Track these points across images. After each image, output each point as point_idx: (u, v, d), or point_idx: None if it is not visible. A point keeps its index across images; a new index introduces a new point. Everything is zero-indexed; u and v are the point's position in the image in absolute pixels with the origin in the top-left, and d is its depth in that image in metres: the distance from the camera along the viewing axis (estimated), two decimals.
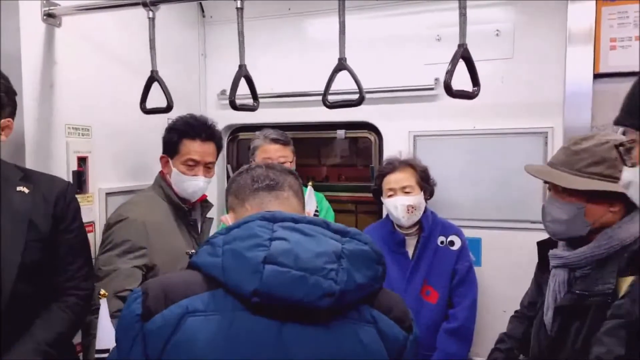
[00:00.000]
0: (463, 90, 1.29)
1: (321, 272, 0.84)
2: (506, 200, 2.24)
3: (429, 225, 2.08)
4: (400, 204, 2.02)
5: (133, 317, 0.86)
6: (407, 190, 2.04)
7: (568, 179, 1.33)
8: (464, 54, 1.24)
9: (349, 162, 3.17)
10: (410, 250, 2.10)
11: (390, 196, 2.05)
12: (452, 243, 2.08)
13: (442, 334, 2.01)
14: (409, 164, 2.10)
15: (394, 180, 2.06)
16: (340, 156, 3.21)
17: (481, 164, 2.27)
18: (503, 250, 2.24)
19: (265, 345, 0.84)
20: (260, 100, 1.64)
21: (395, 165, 2.10)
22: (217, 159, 1.96)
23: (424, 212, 2.09)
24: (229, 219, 1.07)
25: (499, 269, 2.24)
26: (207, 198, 2.05)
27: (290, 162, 2.22)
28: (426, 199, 2.10)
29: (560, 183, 1.34)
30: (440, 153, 2.31)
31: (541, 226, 1.48)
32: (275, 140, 2.20)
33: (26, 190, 1.38)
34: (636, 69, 1.96)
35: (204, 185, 1.89)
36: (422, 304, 2.04)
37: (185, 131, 1.85)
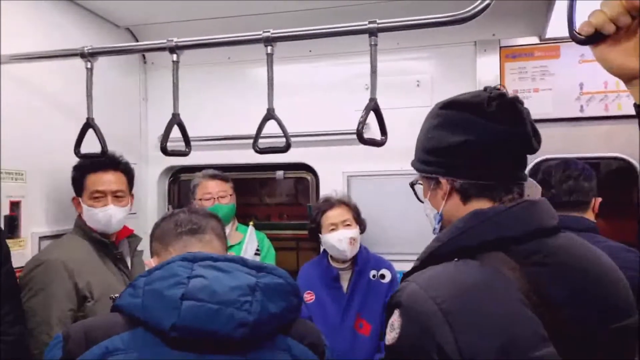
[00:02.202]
0: (373, 139, 1.43)
1: (235, 305, 0.90)
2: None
3: (362, 260, 2.19)
4: (344, 237, 2.12)
5: None
6: (347, 223, 2.16)
7: None
8: (374, 107, 1.39)
9: (289, 201, 3.28)
10: (344, 285, 2.19)
11: (332, 230, 2.15)
12: (382, 276, 2.19)
13: None
14: (343, 202, 2.23)
15: (333, 215, 2.17)
16: (280, 195, 3.31)
17: (409, 202, 2.41)
18: None
19: None
20: (201, 142, 1.73)
21: (333, 202, 2.22)
22: (129, 188, 1.98)
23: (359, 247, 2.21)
24: (152, 263, 1.12)
25: None
26: (136, 233, 2.07)
27: (231, 195, 2.31)
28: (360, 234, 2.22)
29: None
30: (372, 191, 2.47)
31: None
32: (213, 177, 2.29)
33: None
34: (535, 117, 2.22)
35: (117, 213, 1.87)
36: (356, 337, 2.12)
37: (87, 166, 1.88)
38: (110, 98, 2.30)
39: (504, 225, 0.89)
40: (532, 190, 2.12)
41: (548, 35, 2.19)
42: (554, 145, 2.14)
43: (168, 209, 2.83)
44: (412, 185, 1.16)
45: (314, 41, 2.46)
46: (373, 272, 2.20)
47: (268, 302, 0.94)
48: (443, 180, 0.99)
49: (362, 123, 1.37)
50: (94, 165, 1.88)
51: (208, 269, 0.95)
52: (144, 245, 2.17)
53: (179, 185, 2.94)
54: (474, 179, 0.95)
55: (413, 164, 1.09)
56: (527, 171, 2.18)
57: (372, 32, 1.37)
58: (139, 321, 0.91)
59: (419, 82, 2.41)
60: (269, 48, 1.49)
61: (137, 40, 2.57)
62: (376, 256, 2.27)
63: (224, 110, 2.64)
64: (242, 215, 2.57)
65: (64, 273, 1.69)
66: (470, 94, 0.98)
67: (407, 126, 2.30)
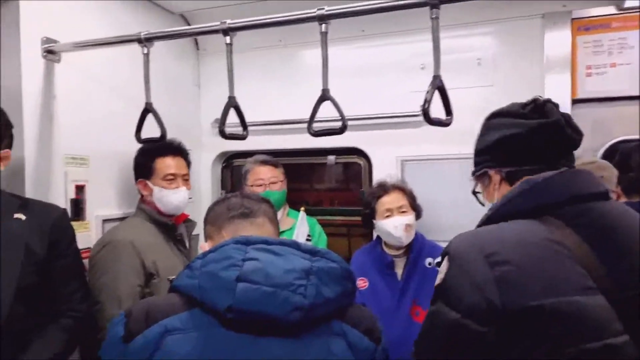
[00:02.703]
0: (439, 119, 1.36)
1: (290, 288, 0.90)
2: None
3: (418, 247, 2.12)
4: (400, 223, 2.06)
5: (117, 339, 0.91)
6: (403, 210, 2.09)
7: None
8: (438, 85, 1.31)
9: (340, 187, 3.23)
10: (399, 272, 2.13)
11: (387, 216, 2.09)
12: (439, 264, 2.11)
13: None
14: (399, 187, 2.16)
15: (389, 201, 2.11)
16: (331, 181, 3.27)
17: (466, 187, 2.32)
18: None
19: (243, 356, 0.89)
20: (253, 127, 1.71)
21: (388, 187, 2.15)
22: (189, 173, 2.08)
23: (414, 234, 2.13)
24: (206, 247, 1.13)
25: None
26: (193, 219, 2.13)
27: (282, 181, 2.30)
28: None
29: None
30: (427, 177, 2.38)
31: None
32: (264, 162, 2.29)
33: (23, 217, 1.44)
34: (612, 94, 2.05)
35: (187, 195, 1.98)
36: (412, 324, 2.05)
37: (157, 150, 1.96)
38: (165, 85, 2.34)
39: (549, 190, 0.98)
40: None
41: (627, 4, 2.00)
42: (633, 125, 1.96)
43: (221, 195, 2.86)
44: (473, 193, 1.29)
45: (367, 21, 2.41)
46: (429, 260, 2.12)
47: (323, 286, 0.94)
48: (491, 172, 1.13)
49: (429, 102, 1.29)
50: (162, 150, 1.95)
51: (262, 252, 0.95)
52: (199, 230, 2.21)
53: (232, 170, 2.96)
54: (515, 165, 1.08)
55: (472, 172, 1.24)
56: (601, 153, 2.04)
57: (434, 4, 1.28)
58: (196, 302, 0.93)
59: (479, 61, 2.27)
60: (323, 26, 1.44)
61: (190, 25, 2.59)
62: (432, 243, 2.19)
63: (275, 95, 2.63)
64: (293, 201, 2.55)
65: (131, 251, 1.75)
66: (508, 105, 1.15)
67: (466, 107, 2.19)
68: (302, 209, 2.36)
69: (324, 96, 1.45)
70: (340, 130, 1.45)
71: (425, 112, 1.32)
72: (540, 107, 1.07)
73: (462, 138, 2.34)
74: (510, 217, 0.99)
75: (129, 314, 0.94)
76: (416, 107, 2.33)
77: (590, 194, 0.99)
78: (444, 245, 2.15)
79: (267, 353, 0.90)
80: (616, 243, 0.92)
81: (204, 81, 2.78)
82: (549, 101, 1.08)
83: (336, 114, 1.47)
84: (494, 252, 0.90)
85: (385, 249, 2.16)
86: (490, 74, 2.26)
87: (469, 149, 2.25)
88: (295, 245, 1.00)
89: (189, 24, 2.56)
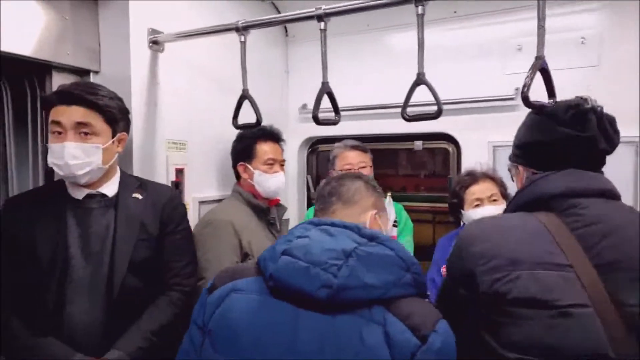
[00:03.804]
0: (541, 102, 1.27)
1: (323, 266, 0.93)
2: None
3: None
4: (492, 213, 1.95)
5: (205, 290, 1.09)
6: (494, 199, 1.99)
7: None
8: (542, 66, 1.23)
9: (426, 173, 3.17)
10: None
11: (477, 206, 2.00)
12: None
13: None
14: (489, 176, 2.06)
15: (479, 190, 2.02)
16: (417, 166, 3.22)
17: None
18: None
19: (280, 325, 0.96)
20: (342, 113, 1.71)
21: (477, 175, 2.07)
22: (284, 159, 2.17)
23: None
24: None
25: None
26: (283, 204, 2.22)
27: (370, 167, 2.30)
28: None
29: None
30: None
31: None
32: (354, 147, 2.29)
33: (140, 197, 1.57)
34: None
35: (284, 180, 2.08)
36: None
37: (258, 136, 2.05)
38: (256, 71, 2.39)
39: (546, 185, 1.13)
40: None
41: None
42: None
43: (307, 180, 2.92)
44: (509, 169, 1.42)
45: (460, 1, 2.32)
46: None
47: (363, 269, 0.94)
48: (520, 168, 1.30)
49: (528, 85, 1.21)
50: (262, 135, 2.05)
51: (319, 232, 1.01)
52: (288, 215, 2.28)
53: (317, 156, 3.01)
54: (541, 169, 1.20)
55: (510, 155, 1.36)
56: None
57: None
58: (260, 271, 1.06)
59: (583, 40, 2.10)
60: (420, 8, 1.39)
61: (280, 13, 2.64)
62: None
63: (362, 80, 2.62)
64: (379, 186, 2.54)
65: (231, 231, 1.84)
66: (557, 103, 1.21)
67: (569, 89, 2.03)
68: (389, 194, 2.34)
69: (420, 80, 1.41)
70: (436, 115, 1.41)
71: (525, 97, 1.24)
72: (582, 116, 1.14)
73: None
74: (516, 209, 1.18)
75: (219, 273, 1.10)
76: (511, 90, 2.24)
77: (586, 189, 1.10)
78: None
79: (302, 324, 0.95)
80: (597, 233, 1.03)
81: (292, 67, 2.83)
82: (593, 110, 1.14)
83: (426, 98, 1.43)
84: (483, 237, 1.11)
85: None
86: (596, 53, 2.09)
87: None
88: (356, 230, 1.02)
89: (278, 11, 2.61)
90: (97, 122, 1.44)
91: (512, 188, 2.10)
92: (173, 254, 1.59)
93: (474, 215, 2.00)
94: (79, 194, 1.50)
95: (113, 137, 1.50)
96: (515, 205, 1.19)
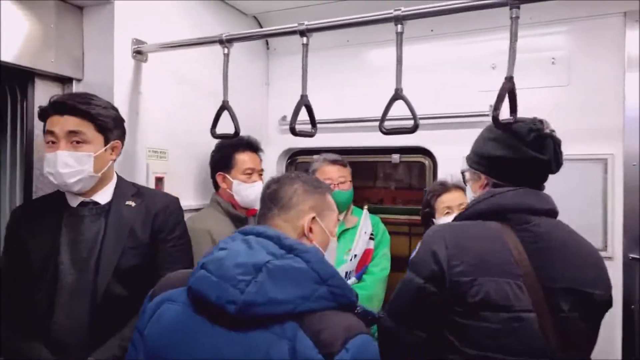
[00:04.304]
0: (509, 122, 1.33)
1: (232, 282, 0.93)
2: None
3: None
4: None
5: (147, 297, 1.12)
6: (463, 207, 2.07)
7: None
8: (510, 88, 1.29)
9: (403, 185, 3.23)
10: None
11: (447, 213, 2.08)
12: None
13: None
14: (460, 187, 2.14)
15: (450, 199, 2.10)
16: (393, 179, 3.28)
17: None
18: None
19: (195, 338, 0.97)
20: (318, 125, 1.76)
21: (448, 185, 2.15)
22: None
23: None
24: None
25: None
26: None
27: (350, 181, 2.33)
28: None
29: None
30: None
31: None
32: (334, 162, 2.32)
33: (133, 204, 1.58)
34: None
35: (261, 189, 2.07)
36: None
37: (236, 146, 2.07)
38: (237, 83, 2.42)
39: (502, 200, 1.30)
40: None
41: None
42: None
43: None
44: (464, 172, 1.58)
45: (437, 21, 2.40)
46: None
47: (272, 285, 0.92)
48: (483, 176, 1.43)
49: (498, 106, 1.27)
50: (240, 145, 2.08)
51: (240, 243, 1.01)
52: None
53: (296, 167, 3.04)
54: (503, 180, 1.36)
55: (467, 159, 1.50)
56: None
57: (514, 4, 1.27)
58: None
59: (554, 60, 2.21)
60: (399, 27, 1.46)
61: (262, 27, 2.69)
62: None
63: (340, 94, 2.67)
64: (356, 198, 2.58)
65: (208, 239, 1.86)
66: (518, 123, 1.32)
67: (539, 107, 2.13)
68: (366, 207, 2.39)
69: (397, 95, 1.47)
70: (412, 129, 1.47)
71: (495, 117, 1.30)
72: (542, 140, 1.30)
73: None
74: (474, 216, 1.33)
75: (160, 281, 1.13)
76: (485, 107, 2.32)
77: (539, 208, 1.29)
78: None
79: (216, 339, 0.95)
80: (544, 248, 1.23)
81: (272, 79, 2.87)
82: (550, 136, 1.30)
83: (403, 113, 1.49)
84: (455, 236, 1.27)
85: None
86: (566, 73, 2.19)
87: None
88: (276, 239, 1.01)
89: (260, 26, 2.66)
90: (88, 130, 1.46)
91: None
92: (164, 261, 1.59)
93: (444, 222, 2.07)
94: (74, 202, 1.52)
95: (105, 145, 1.51)
96: (474, 211, 1.34)
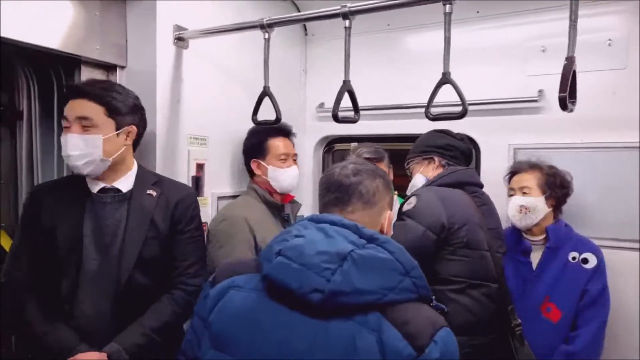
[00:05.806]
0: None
1: (316, 269, 0.91)
2: (613, 217, 2.13)
3: (558, 237, 2.00)
4: (513, 204, 2.03)
5: (208, 283, 1.10)
6: (524, 191, 2.03)
7: None
8: (573, 68, 1.21)
9: None
10: (535, 261, 2.03)
11: (510, 196, 2.09)
12: (585, 261, 1.96)
13: (559, 356, 1.90)
14: (537, 166, 2.06)
15: (515, 180, 2.09)
16: None
17: (587, 180, 2.15)
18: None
19: (272, 325, 0.95)
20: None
21: (520, 166, 2.10)
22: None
23: (556, 221, 2.04)
24: None
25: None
26: (298, 201, 2.24)
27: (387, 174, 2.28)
28: (552, 206, 2.03)
29: None
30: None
31: None
32: (369, 160, 2.27)
33: (154, 194, 1.58)
34: None
35: (298, 173, 2.10)
36: (540, 320, 1.96)
37: (268, 131, 2.05)
38: (275, 70, 2.38)
39: (460, 175, 1.94)
40: None
41: None
42: None
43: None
44: (410, 159, 2.14)
45: (483, 2, 2.30)
46: (573, 254, 1.98)
47: (358, 274, 0.91)
48: (437, 158, 2.02)
49: (565, 90, 1.18)
50: (272, 131, 2.05)
51: (315, 231, 0.98)
52: (303, 211, 2.28)
53: (333, 155, 3.01)
54: (451, 160, 2.01)
55: (414, 151, 2.12)
56: None
57: None
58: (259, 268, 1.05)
59: (610, 41, 2.08)
60: (447, 7, 1.39)
61: (299, 11, 2.65)
62: (580, 237, 2.04)
63: (379, 80, 2.61)
64: (396, 186, 2.53)
65: (246, 227, 1.86)
66: (452, 133, 2.10)
67: (593, 92, 2.02)
68: (395, 193, 2.33)
69: (445, 79, 1.41)
70: (461, 115, 1.40)
71: (563, 99, 1.21)
72: (467, 142, 2.12)
73: (586, 125, 2.17)
74: (443, 185, 1.88)
75: (219, 267, 1.11)
76: (534, 92, 2.21)
77: (478, 182, 1.99)
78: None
79: (293, 327, 0.93)
80: (487, 210, 1.93)
81: (310, 66, 2.83)
82: (470, 139, 2.20)
83: (447, 99, 1.43)
84: (443, 196, 1.81)
85: (524, 235, 2.09)
86: (623, 55, 2.06)
87: (594, 137, 2.11)
88: (354, 229, 0.99)
89: (298, 10, 2.62)
90: (98, 114, 1.46)
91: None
92: (180, 252, 1.59)
93: (508, 205, 2.09)
94: (95, 187, 1.53)
95: (117, 129, 1.51)
96: (441, 182, 1.89)
